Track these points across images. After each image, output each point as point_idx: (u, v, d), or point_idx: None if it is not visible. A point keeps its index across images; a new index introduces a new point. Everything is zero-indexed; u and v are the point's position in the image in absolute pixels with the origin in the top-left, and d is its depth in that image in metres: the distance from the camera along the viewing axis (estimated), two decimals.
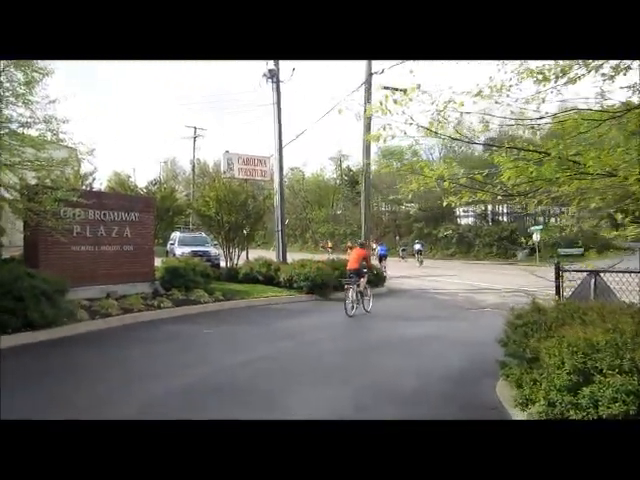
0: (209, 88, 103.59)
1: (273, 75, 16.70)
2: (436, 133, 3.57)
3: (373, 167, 26.22)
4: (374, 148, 26.18)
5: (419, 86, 3.43)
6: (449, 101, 3.43)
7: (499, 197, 4.08)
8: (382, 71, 15.67)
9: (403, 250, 36.04)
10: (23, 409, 4.64)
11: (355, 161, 63.32)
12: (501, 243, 42.12)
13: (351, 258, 11.97)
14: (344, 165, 64.05)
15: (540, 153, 3.30)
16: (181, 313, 10.66)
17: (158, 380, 5.87)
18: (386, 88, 14.97)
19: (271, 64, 16.43)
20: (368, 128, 17.68)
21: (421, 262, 30.75)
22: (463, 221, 49.69)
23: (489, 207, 45.73)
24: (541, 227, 36.43)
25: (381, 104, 3.46)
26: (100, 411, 4.74)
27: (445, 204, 4.23)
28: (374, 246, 27.49)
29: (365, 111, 16.64)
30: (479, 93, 3.32)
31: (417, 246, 32.56)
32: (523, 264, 34.80)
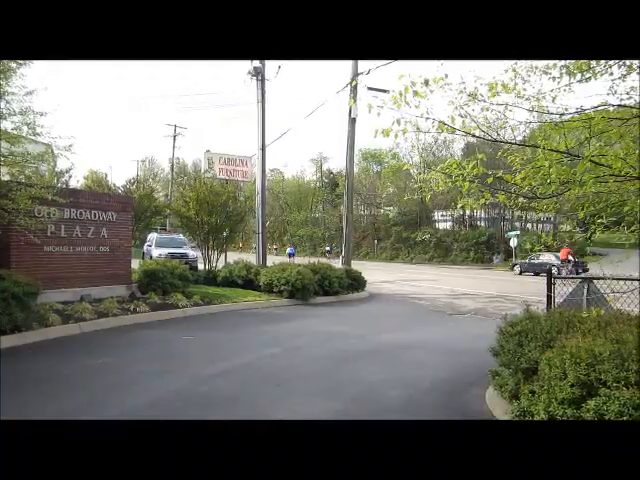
0: (190, 86, 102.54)
1: (258, 73, 16.35)
2: (454, 129, 3.39)
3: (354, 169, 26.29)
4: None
5: (446, 76, 3.25)
6: (474, 94, 3.26)
7: (521, 199, 3.92)
8: (368, 71, 15.59)
9: (328, 251, 45.93)
10: None
11: (336, 163, 63.57)
12: (478, 248, 42.59)
13: (562, 252, 23.39)
14: (325, 167, 64.08)
15: (571, 155, 3.15)
16: (158, 318, 10.29)
17: (131, 391, 5.56)
18: (371, 89, 14.94)
19: (257, 62, 16.12)
20: (353, 128, 17.57)
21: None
22: (441, 225, 50.06)
23: (467, 212, 46.11)
24: (518, 233, 37.02)
25: (401, 95, 3.26)
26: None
27: (460, 206, 4.07)
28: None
29: (350, 110, 16.68)
30: (504, 86, 3.15)
31: (290, 250, 41.73)
32: (499, 269, 35.27)
